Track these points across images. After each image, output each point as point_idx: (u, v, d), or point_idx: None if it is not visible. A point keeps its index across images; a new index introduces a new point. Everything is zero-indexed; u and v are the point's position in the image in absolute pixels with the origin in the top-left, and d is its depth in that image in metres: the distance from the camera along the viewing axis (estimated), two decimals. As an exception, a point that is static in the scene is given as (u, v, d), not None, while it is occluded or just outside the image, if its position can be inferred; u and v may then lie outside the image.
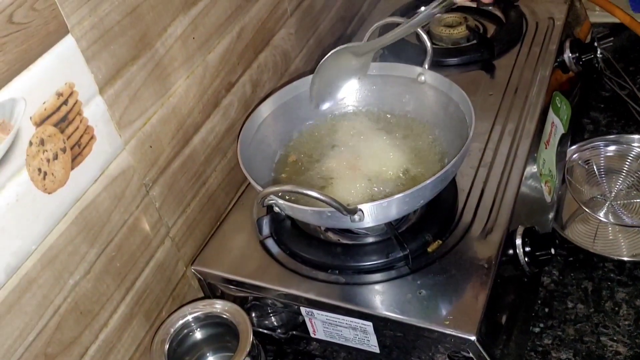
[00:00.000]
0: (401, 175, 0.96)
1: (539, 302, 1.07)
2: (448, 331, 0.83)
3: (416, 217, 0.97)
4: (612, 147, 1.25)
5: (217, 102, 1.03)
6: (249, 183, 0.89)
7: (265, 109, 1.01)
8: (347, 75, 1.03)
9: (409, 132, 1.02)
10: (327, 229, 0.98)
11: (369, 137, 1.01)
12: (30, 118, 0.70)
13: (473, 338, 0.82)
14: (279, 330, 1.02)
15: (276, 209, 0.87)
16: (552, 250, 0.91)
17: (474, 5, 1.12)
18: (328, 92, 1.03)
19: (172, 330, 0.92)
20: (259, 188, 0.86)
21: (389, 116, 1.05)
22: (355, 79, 1.04)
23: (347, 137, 1.02)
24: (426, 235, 0.91)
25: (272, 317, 1.00)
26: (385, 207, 0.82)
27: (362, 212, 0.81)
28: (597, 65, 1.36)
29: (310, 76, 1.00)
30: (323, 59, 0.97)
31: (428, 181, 0.81)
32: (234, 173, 1.10)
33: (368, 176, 0.95)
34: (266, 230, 0.97)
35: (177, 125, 0.94)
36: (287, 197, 0.87)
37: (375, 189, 0.93)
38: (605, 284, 1.07)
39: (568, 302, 1.06)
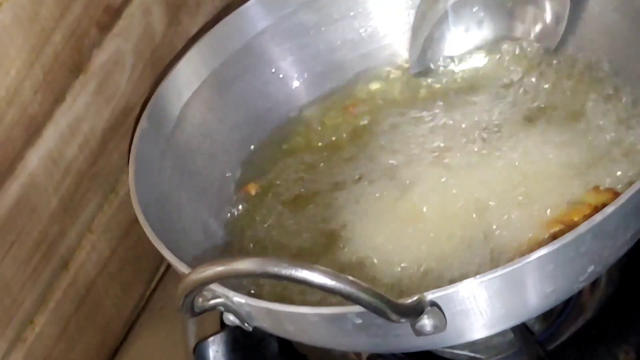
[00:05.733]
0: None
1: None
2: None
3: (591, 312, 0.48)
4: None
5: (77, 65, 0.51)
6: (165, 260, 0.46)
7: (191, 78, 0.55)
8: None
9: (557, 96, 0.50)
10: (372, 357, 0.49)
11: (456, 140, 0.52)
12: None
13: None
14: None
15: (230, 318, 0.40)
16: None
17: None
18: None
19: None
20: (182, 268, 0.42)
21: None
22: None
23: (399, 144, 0.53)
24: (620, 353, 0.45)
25: None
26: (500, 286, 0.36)
27: (439, 307, 0.35)
28: None
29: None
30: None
31: (609, 209, 0.35)
32: (135, 234, 0.56)
33: (470, 225, 0.46)
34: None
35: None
36: (252, 291, 0.47)
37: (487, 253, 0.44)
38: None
39: None
